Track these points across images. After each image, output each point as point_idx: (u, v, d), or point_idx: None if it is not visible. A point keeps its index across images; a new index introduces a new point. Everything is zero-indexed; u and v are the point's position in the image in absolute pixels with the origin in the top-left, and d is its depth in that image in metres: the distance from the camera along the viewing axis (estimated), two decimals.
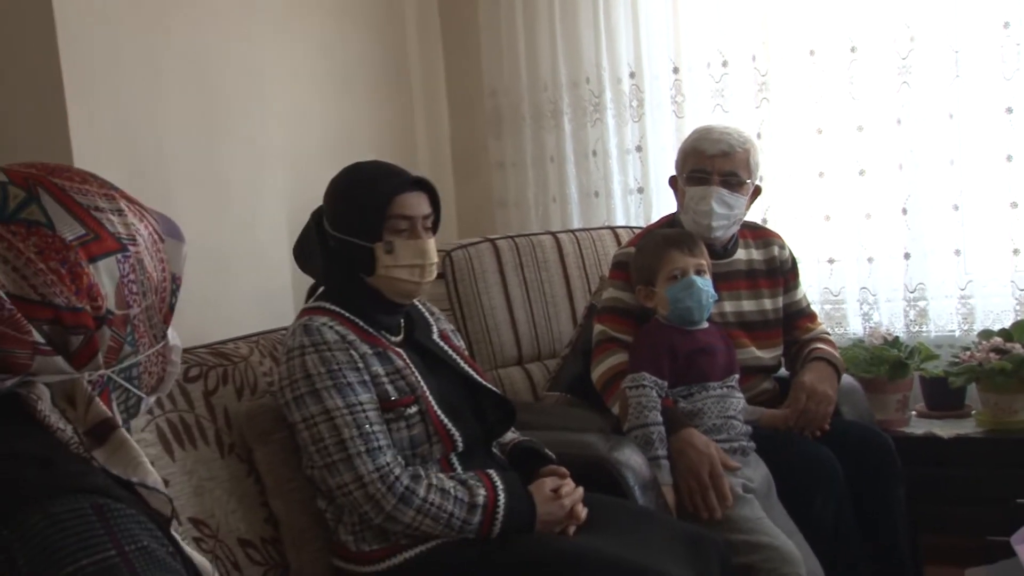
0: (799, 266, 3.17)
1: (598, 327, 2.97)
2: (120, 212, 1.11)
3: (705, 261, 2.76)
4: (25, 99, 2.45)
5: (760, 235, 3.14)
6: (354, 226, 2.31)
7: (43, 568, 0.92)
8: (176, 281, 1.19)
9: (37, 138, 2.42)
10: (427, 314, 2.54)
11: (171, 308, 1.19)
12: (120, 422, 1.11)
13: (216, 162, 2.85)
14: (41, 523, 0.93)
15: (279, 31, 3.30)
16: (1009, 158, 3.38)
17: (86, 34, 2.47)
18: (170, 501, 1.11)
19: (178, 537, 1.12)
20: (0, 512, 0.94)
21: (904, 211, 3.53)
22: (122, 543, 0.96)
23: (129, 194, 1.16)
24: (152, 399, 1.21)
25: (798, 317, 3.11)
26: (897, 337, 3.47)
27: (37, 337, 1.04)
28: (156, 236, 1.16)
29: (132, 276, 1.10)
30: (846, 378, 3.17)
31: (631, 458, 2.55)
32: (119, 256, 1.09)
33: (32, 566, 0.92)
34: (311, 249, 2.40)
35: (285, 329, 2.44)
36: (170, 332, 1.21)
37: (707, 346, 2.75)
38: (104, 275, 1.08)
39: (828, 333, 3.16)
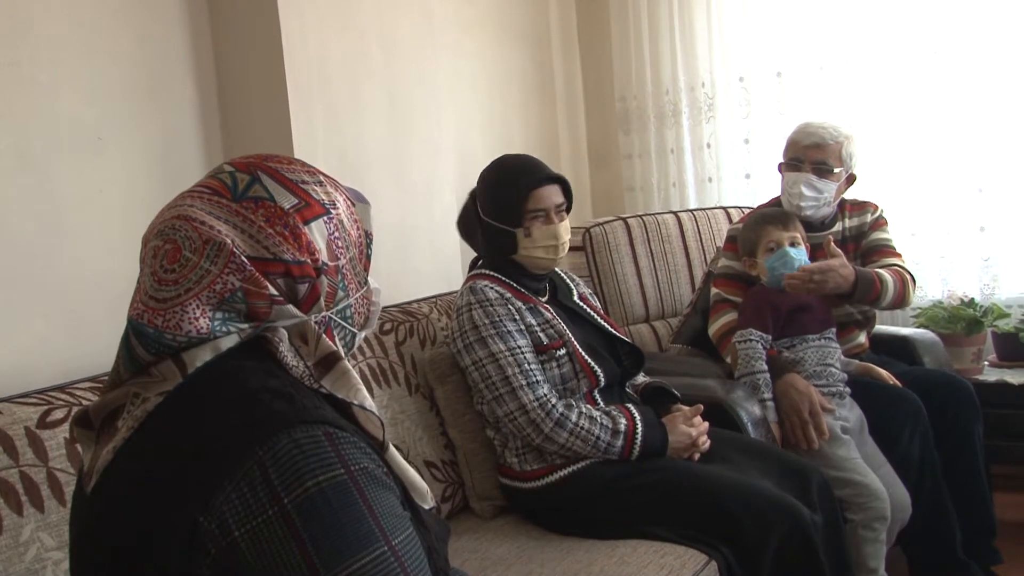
0: (884, 219, 2.98)
1: (714, 290, 2.92)
2: (320, 183, 1.14)
3: (799, 234, 2.68)
4: (260, 113, 2.52)
5: (857, 207, 2.99)
6: (500, 215, 2.32)
7: (290, 481, 0.94)
8: (369, 236, 1.21)
9: (268, 139, 2.49)
10: (568, 280, 2.53)
11: (368, 258, 1.21)
12: (343, 355, 1.13)
13: (402, 155, 2.88)
14: (287, 445, 0.96)
15: (450, 49, 3.32)
16: None
17: (305, 62, 2.52)
18: (382, 425, 1.12)
19: (393, 457, 1.14)
20: (257, 435, 0.97)
21: (980, 191, 3.39)
22: (348, 464, 0.98)
23: (323, 171, 1.19)
24: (363, 334, 1.23)
25: (874, 252, 2.91)
26: (973, 299, 3.33)
27: (272, 290, 1.07)
28: (349, 201, 1.18)
29: (337, 234, 1.13)
30: (928, 333, 3.08)
31: (744, 399, 2.51)
32: (325, 218, 1.11)
33: (281, 479, 0.94)
34: (471, 226, 2.41)
35: (456, 292, 2.46)
36: (370, 278, 1.23)
37: (804, 304, 2.68)
38: (316, 234, 1.10)
39: (908, 271, 2.85)
